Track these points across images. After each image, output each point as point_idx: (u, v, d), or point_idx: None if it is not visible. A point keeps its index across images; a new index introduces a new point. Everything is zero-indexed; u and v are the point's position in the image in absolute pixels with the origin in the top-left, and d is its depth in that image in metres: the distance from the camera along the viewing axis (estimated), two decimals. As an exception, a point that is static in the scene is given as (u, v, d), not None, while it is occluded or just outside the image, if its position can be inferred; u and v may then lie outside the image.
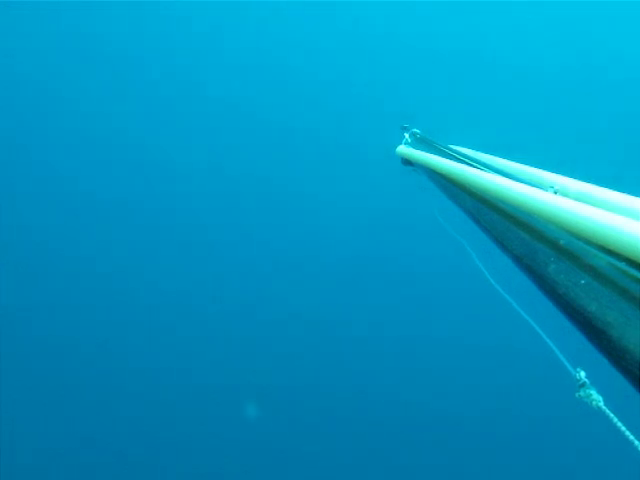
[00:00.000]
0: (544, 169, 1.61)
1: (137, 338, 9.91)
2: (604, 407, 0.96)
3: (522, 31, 11.62)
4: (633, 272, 0.89)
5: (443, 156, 2.09)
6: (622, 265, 0.91)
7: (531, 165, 1.70)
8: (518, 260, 1.24)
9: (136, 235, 10.64)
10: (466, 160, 1.91)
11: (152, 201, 10.92)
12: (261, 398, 9.55)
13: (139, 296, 10.18)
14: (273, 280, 10.58)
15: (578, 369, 1.04)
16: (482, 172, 1.61)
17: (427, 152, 2.32)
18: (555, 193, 1.29)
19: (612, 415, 0.94)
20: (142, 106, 11.16)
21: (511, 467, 9.07)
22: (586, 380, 1.01)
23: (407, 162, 2.69)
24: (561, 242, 1.11)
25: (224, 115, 11.34)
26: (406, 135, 2.86)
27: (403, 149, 2.74)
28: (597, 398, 0.98)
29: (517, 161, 1.80)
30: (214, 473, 9.07)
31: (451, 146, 2.31)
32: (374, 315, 10.27)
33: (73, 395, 9.25)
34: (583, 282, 0.97)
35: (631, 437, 0.89)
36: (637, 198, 1.16)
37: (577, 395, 1.00)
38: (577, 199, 1.16)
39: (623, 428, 0.91)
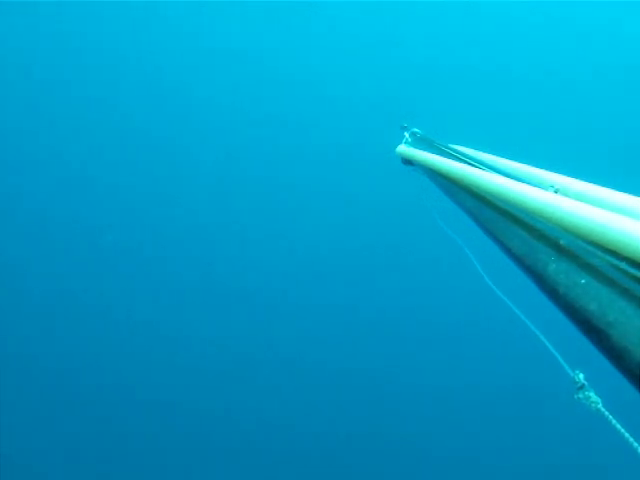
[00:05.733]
0: (544, 169, 1.61)
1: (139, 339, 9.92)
2: (603, 409, 0.96)
3: (522, 31, 11.60)
4: (633, 272, 0.89)
5: (443, 155, 2.09)
6: (622, 265, 0.91)
7: (531, 165, 1.70)
8: (518, 259, 1.23)
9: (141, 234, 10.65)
10: (466, 159, 1.90)
11: (153, 202, 10.91)
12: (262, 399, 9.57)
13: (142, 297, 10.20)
14: (271, 280, 10.57)
15: (577, 371, 1.03)
16: (482, 171, 1.61)
17: (427, 151, 2.32)
18: (555, 192, 1.29)
19: (611, 417, 0.94)
20: (141, 107, 11.16)
21: (510, 470, 9.06)
22: (585, 382, 1.01)
23: (407, 162, 2.69)
24: (561, 241, 1.11)
25: (225, 116, 11.33)
26: (406, 134, 2.85)
27: (403, 149, 2.74)
28: (596, 400, 0.98)
29: (517, 161, 1.80)
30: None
31: (451, 145, 2.30)
32: (373, 314, 10.26)
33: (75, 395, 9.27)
34: (583, 282, 0.97)
35: (630, 439, 0.89)
36: (637, 198, 1.16)
37: (576, 397, 1.00)
38: (577, 199, 1.16)
39: (622, 430, 0.91)
